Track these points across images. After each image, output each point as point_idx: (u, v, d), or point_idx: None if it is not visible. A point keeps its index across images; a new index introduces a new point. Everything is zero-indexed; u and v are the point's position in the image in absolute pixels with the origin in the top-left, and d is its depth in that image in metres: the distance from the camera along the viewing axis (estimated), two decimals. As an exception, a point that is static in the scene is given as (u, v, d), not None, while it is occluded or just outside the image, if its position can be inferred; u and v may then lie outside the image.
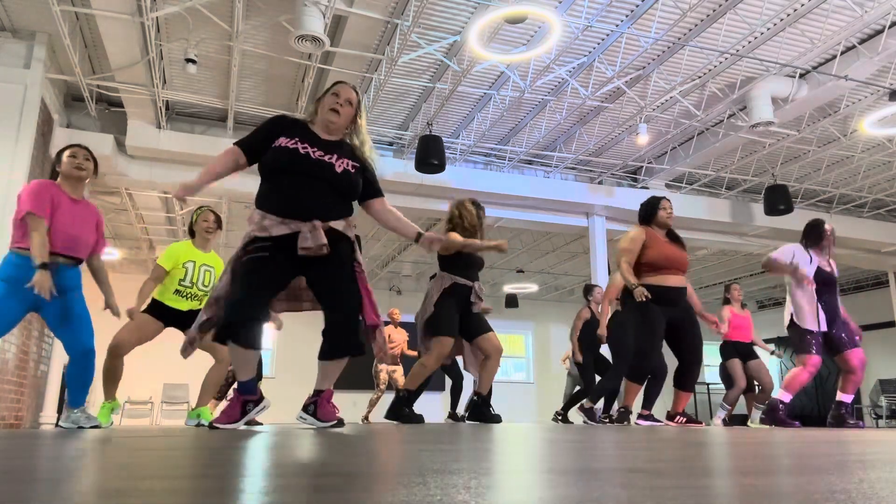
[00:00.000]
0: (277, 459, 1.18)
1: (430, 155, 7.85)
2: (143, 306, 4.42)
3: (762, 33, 6.66)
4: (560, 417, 7.69)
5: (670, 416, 4.77)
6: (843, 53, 6.94)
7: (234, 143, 3.04)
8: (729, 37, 6.69)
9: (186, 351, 3.09)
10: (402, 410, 4.74)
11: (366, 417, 8.88)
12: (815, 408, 14.99)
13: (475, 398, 4.86)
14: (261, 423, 6.86)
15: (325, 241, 2.80)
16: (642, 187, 10.18)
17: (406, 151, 8.99)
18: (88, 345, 3.74)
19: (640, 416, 5.00)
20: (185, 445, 1.62)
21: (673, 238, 4.83)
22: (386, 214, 3.20)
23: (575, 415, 7.68)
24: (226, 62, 7.24)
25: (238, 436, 2.20)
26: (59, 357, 7.73)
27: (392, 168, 8.98)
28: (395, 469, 0.97)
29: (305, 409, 2.97)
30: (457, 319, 4.66)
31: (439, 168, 8.05)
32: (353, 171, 3.01)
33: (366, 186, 3.11)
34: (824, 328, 5.01)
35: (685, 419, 4.72)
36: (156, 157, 8.31)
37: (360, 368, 11.51)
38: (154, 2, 6.04)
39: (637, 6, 6.29)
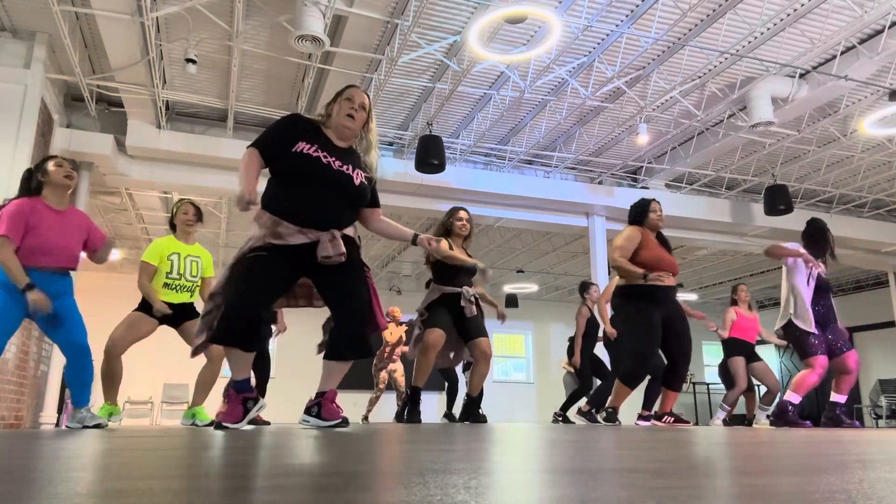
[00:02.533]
0: (277, 459, 1.18)
1: (430, 155, 7.85)
2: (159, 309, 4.37)
3: (762, 33, 6.66)
4: (560, 418, 7.69)
5: (658, 416, 4.74)
6: (843, 53, 6.94)
7: (250, 146, 2.96)
8: (729, 37, 6.69)
9: (197, 351, 3.05)
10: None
11: (365, 417, 8.88)
12: (816, 408, 14.99)
13: (466, 399, 5.00)
14: (268, 423, 6.88)
15: (344, 249, 2.86)
16: (642, 187, 10.18)
17: (406, 151, 8.99)
18: (81, 342, 3.76)
19: (640, 417, 4.99)
20: (185, 445, 1.62)
21: (662, 241, 4.81)
22: (383, 224, 3.29)
23: (574, 416, 7.69)
24: (226, 62, 7.24)
25: (238, 436, 2.20)
26: (58, 357, 7.73)
27: (392, 168, 8.98)
28: (395, 469, 0.97)
29: (308, 411, 2.96)
30: (446, 317, 4.76)
31: (439, 168, 8.05)
32: (366, 182, 3.09)
33: (371, 197, 3.19)
34: (817, 330, 5.04)
35: (673, 419, 4.70)
36: (156, 157, 8.31)
37: (359, 368, 11.48)
38: (154, 2, 6.04)
39: (637, 6, 6.29)
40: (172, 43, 6.86)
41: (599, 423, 4.89)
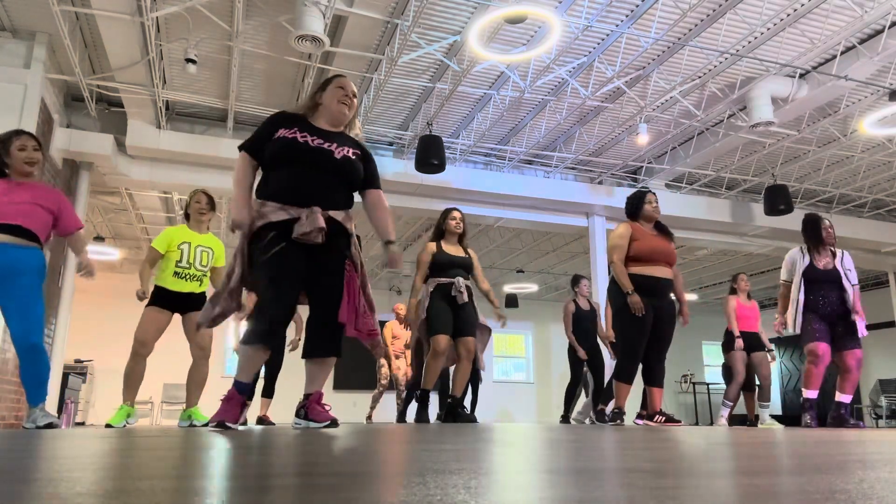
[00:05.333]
0: (277, 459, 1.18)
1: (430, 155, 7.85)
2: (149, 289, 4.44)
3: (762, 33, 6.66)
4: (563, 418, 7.70)
5: (650, 416, 4.75)
6: (843, 53, 6.94)
7: (239, 148, 3.04)
8: (729, 37, 6.69)
9: (201, 328, 3.08)
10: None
11: (369, 417, 8.86)
12: (818, 408, 14.97)
13: (449, 400, 5.12)
14: (273, 423, 6.89)
15: (321, 225, 2.78)
16: (642, 187, 10.18)
17: (406, 151, 8.99)
18: (33, 339, 3.57)
19: (638, 416, 4.98)
20: (185, 446, 1.62)
21: (661, 230, 4.87)
22: (376, 208, 3.14)
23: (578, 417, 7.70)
24: (226, 62, 7.24)
25: (237, 436, 2.20)
26: (58, 358, 7.73)
27: (392, 168, 8.98)
28: (395, 469, 0.97)
29: (297, 413, 2.95)
30: (449, 316, 4.94)
31: (439, 168, 8.05)
32: (353, 157, 3.01)
33: (365, 175, 3.09)
34: (799, 328, 5.13)
35: (664, 418, 4.69)
36: (156, 157, 8.31)
37: (359, 368, 11.44)
38: (154, 2, 6.04)
39: (637, 6, 6.29)
40: (172, 43, 6.86)
41: (605, 422, 4.89)
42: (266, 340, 2.80)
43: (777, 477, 0.88)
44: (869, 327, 16.29)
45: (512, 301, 15.34)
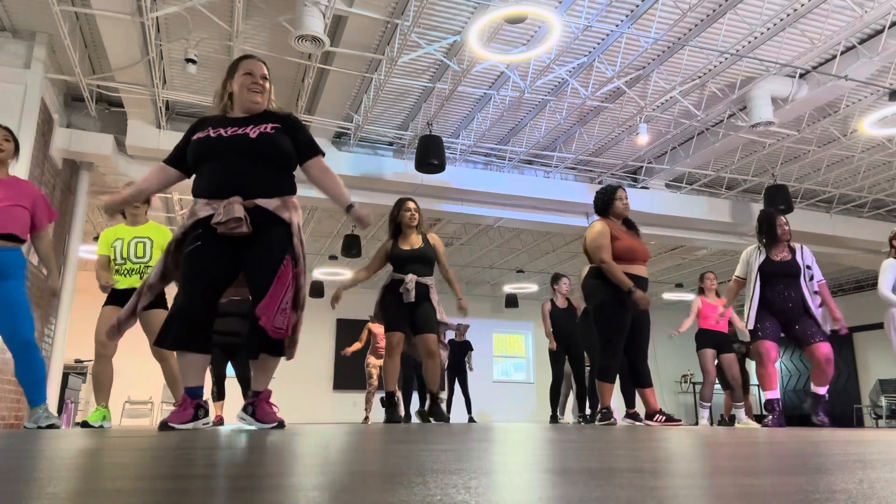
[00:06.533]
0: (276, 459, 1.18)
1: (430, 155, 7.85)
2: (106, 284, 4.43)
3: (762, 33, 6.66)
4: (552, 418, 7.73)
5: (649, 416, 4.71)
6: (843, 53, 6.94)
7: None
8: (729, 37, 6.69)
9: (112, 333, 3.01)
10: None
11: (366, 418, 8.86)
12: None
13: (428, 397, 5.11)
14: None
15: (237, 214, 2.69)
16: (642, 187, 10.18)
17: (406, 151, 8.99)
18: (26, 336, 3.63)
19: (627, 415, 4.97)
20: (185, 446, 1.62)
21: (630, 227, 4.79)
22: (323, 176, 2.97)
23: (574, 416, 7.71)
24: (226, 62, 7.24)
25: (237, 436, 2.20)
26: (58, 358, 7.72)
27: (392, 168, 8.98)
28: (395, 469, 0.97)
29: (245, 409, 2.89)
30: (401, 311, 4.91)
31: (439, 168, 8.05)
32: (272, 131, 2.86)
33: (298, 148, 2.94)
34: (751, 325, 5.07)
35: (664, 417, 4.66)
36: (156, 157, 8.30)
37: (358, 369, 11.40)
38: (154, 2, 6.04)
39: (637, 6, 6.29)
40: (172, 43, 6.87)
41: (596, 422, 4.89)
42: (177, 341, 2.72)
43: (777, 477, 0.88)
44: (869, 327, 16.19)
45: (512, 301, 15.33)
